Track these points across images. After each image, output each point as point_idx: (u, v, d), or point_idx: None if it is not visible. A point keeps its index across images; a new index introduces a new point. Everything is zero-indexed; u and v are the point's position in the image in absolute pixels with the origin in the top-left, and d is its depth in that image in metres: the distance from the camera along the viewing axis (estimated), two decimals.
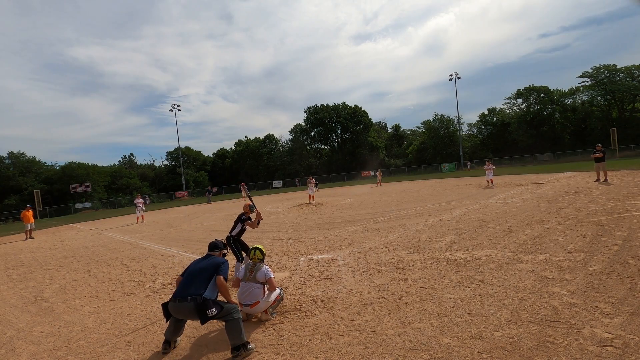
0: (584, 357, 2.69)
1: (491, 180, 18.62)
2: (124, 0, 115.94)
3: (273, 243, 8.82)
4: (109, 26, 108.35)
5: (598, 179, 14.81)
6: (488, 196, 14.03)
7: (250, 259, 4.23)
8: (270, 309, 4.16)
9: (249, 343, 3.41)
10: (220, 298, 3.64)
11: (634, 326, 3.05)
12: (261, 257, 4.20)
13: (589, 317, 3.31)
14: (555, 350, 2.82)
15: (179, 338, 3.75)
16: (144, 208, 19.64)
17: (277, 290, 4.23)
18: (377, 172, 33.36)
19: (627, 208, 8.30)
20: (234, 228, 6.21)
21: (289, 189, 45.19)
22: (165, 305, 3.57)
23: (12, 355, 3.94)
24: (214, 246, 4.05)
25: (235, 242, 6.11)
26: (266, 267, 4.15)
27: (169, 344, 3.62)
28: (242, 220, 6.18)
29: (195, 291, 3.43)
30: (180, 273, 3.84)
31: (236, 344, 3.33)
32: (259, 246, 4.32)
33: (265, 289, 4.07)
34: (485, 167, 18.97)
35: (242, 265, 4.16)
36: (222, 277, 3.58)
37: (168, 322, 3.64)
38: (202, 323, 3.42)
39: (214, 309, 3.36)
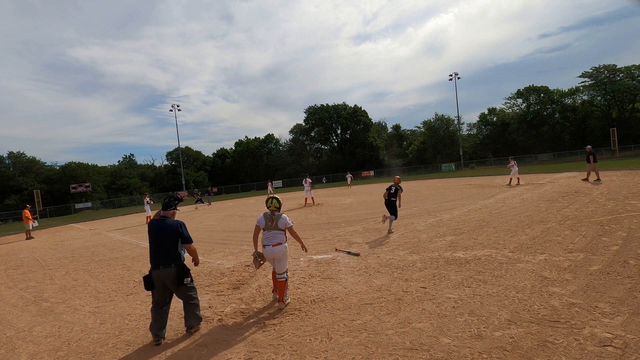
0: (584, 357, 2.69)
1: (517, 178, 17.66)
2: (125, 1, 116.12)
3: None
4: (110, 27, 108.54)
5: (586, 179, 15.23)
6: (488, 196, 14.03)
7: (268, 207, 4.54)
8: (285, 296, 4.53)
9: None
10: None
11: (634, 326, 3.05)
12: (278, 206, 4.51)
13: (589, 317, 3.31)
14: (555, 350, 2.82)
15: (165, 330, 3.93)
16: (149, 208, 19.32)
17: (286, 266, 4.54)
18: (347, 175, 35.04)
19: (627, 208, 8.30)
20: (393, 195, 8.56)
21: (289, 189, 45.16)
22: (147, 277, 3.83)
23: (12, 355, 3.94)
24: (166, 205, 4.07)
25: (388, 204, 8.56)
26: (285, 215, 4.52)
27: (158, 337, 3.81)
28: (398, 189, 8.55)
29: (175, 258, 3.83)
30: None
31: (196, 324, 3.96)
32: (276, 196, 4.63)
33: (286, 235, 4.56)
34: (510, 165, 17.87)
35: (261, 215, 4.57)
36: (190, 245, 3.97)
37: (151, 316, 3.86)
38: (178, 287, 3.83)
39: (189, 279, 3.91)
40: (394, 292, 4.54)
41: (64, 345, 4.05)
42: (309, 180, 18.97)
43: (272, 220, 4.44)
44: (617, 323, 3.14)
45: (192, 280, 3.97)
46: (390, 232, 8.54)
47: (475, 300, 3.96)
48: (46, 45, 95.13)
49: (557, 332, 3.10)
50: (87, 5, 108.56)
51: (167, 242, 3.84)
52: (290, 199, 24.78)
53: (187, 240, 3.92)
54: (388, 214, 8.62)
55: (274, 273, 4.61)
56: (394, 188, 8.62)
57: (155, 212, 4.29)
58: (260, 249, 4.60)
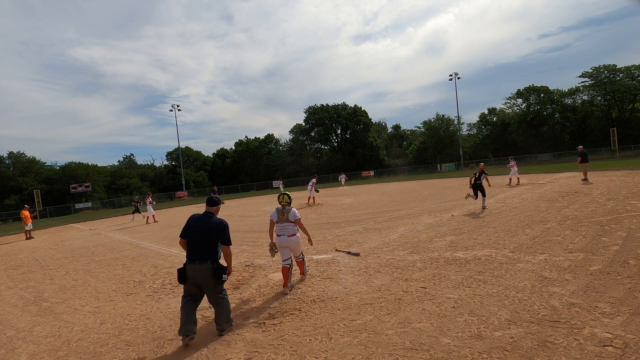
0: (584, 357, 2.69)
1: (517, 178, 17.77)
2: (125, 1, 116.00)
3: None
4: (110, 27, 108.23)
5: (585, 179, 15.33)
6: (488, 196, 14.01)
7: (280, 203, 5.07)
8: (305, 268, 5.50)
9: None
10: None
11: (634, 326, 3.05)
12: (289, 201, 5.06)
13: (589, 317, 3.31)
14: (555, 350, 2.82)
15: (195, 326, 3.80)
16: (150, 207, 19.23)
17: (301, 249, 5.32)
18: (341, 176, 35.60)
19: (627, 208, 8.30)
20: (478, 179, 10.59)
21: (289, 189, 45.16)
22: (181, 270, 3.79)
23: (12, 355, 3.94)
24: (212, 202, 4.07)
25: (475, 186, 10.58)
26: (294, 209, 5.05)
27: (191, 331, 3.69)
28: (483, 174, 10.65)
29: (212, 255, 3.79)
30: (181, 234, 3.96)
31: (227, 327, 3.89)
32: (287, 192, 5.16)
33: (297, 227, 5.06)
34: (510, 165, 18.00)
35: (274, 210, 5.10)
36: (227, 247, 3.91)
37: (181, 314, 3.75)
38: (216, 285, 3.80)
39: (226, 276, 3.85)
40: (394, 292, 4.54)
41: (64, 345, 4.05)
42: (313, 180, 18.92)
43: (283, 213, 4.98)
44: (617, 323, 3.14)
45: (227, 275, 3.91)
46: (484, 207, 10.52)
47: (475, 300, 3.97)
48: (46, 45, 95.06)
49: (557, 332, 3.10)
50: (87, 5, 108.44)
51: (209, 238, 3.80)
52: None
53: (227, 242, 3.88)
54: (472, 194, 10.91)
55: (284, 268, 5.03)
56: (478, 173, 10.62)
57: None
58: (274, 239, 5.08)
